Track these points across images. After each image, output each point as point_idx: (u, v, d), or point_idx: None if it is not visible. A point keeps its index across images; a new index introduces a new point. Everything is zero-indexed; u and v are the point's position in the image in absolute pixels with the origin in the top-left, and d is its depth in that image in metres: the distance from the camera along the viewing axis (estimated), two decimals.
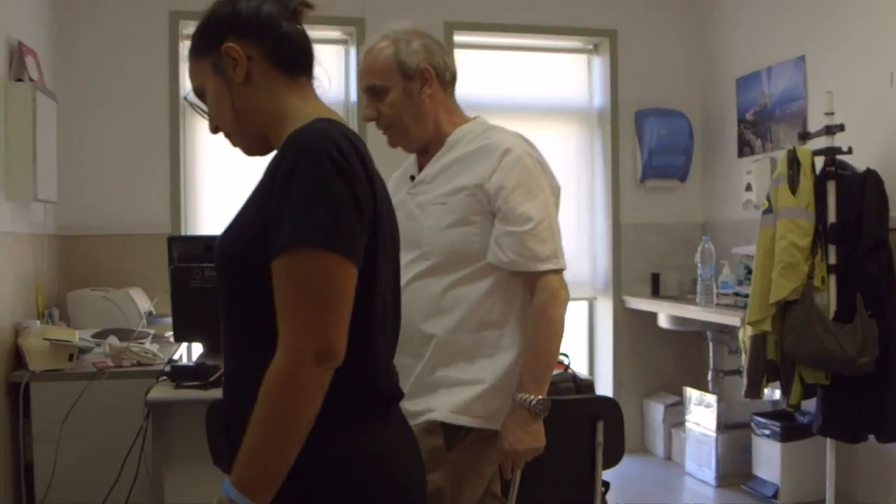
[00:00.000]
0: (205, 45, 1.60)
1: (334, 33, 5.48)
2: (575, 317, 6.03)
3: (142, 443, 3.10)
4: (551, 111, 5.87)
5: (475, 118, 2.41)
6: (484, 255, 2.24)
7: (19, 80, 3.78)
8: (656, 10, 5.92)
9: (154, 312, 4.21)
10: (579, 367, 4.60)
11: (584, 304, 6.04)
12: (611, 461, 2.60)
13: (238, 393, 1.52)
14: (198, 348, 3.75)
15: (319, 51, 1.64)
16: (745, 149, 5.49)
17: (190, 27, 5.30)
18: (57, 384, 3.43)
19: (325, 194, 1.39)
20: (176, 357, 3.56)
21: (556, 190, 2.37)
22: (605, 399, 2.72)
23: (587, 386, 3.09)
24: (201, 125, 5.30)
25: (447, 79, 2.35)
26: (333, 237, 1.38)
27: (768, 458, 4.63)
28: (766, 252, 4.02)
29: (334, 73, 5.49)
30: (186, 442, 2.90)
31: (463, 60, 5.56)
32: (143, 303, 4.43)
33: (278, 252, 1.39)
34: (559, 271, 2.23)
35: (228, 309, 1.55)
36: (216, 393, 2.83)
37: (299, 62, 1.61)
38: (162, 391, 2.91)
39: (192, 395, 2.86)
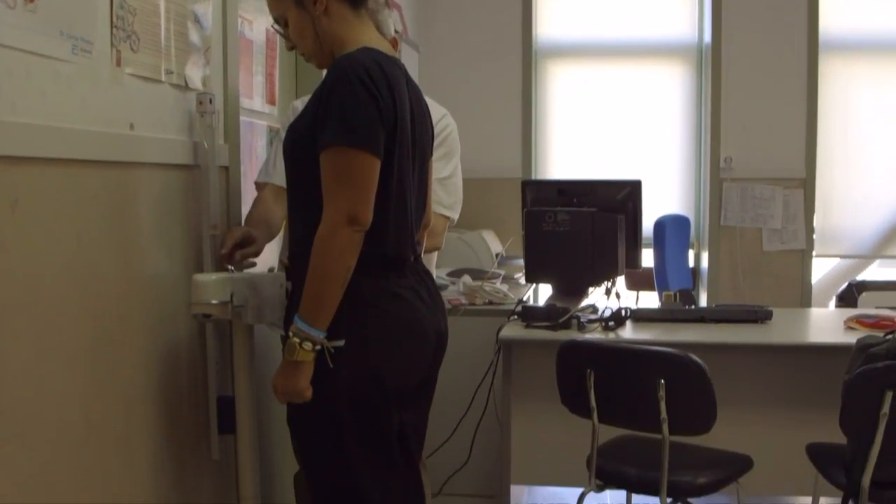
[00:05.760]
0: None
1: None
2: None
3: (492, 377, 3.23)
4: None
5: None
6: None
7: None
8: None
9: (504, 254, 4.36)
10: None
11: None
12: None
13: (294, 250, 2.06)
14: (545, 290, 3.84)
15: None
16: None
17: None
18: None
19: (354, 106, 1.87)
20: (525, 298, 3.67)
21: None
22: None
23: None
24: (552, 71, 5.38)
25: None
26: (360, 137, 1.86)
27: None
28: None
29: (685, 15, 5.36)
30: (534, 379, 2.98)
31: None
32: (495, 245, 4.60)
33: (322, 148, 1.88)
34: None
35: (292, 186, 2.07)
36: (566, 334, 2.90)
37: None
38: (513, 330, 3.02)
39: (543, 336, 2.94)
